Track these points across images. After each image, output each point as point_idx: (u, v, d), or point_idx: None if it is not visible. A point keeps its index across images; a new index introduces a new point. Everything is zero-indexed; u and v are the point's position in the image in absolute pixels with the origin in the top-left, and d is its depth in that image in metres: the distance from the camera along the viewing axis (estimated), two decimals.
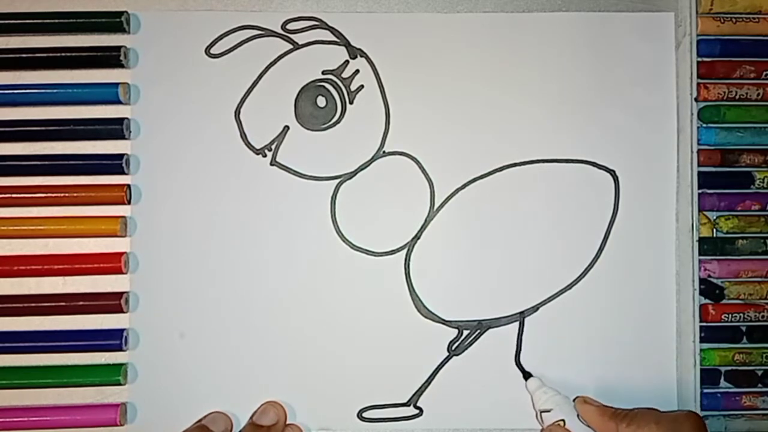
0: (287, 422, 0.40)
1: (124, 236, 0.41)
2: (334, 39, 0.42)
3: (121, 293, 0.40)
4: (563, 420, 0.37)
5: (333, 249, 0.41)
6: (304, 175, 0.41)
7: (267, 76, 0.41)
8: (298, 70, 0.41)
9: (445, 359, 0.41)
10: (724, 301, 0.42)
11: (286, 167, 0.41)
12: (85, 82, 0.41)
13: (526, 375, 0.40)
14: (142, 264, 0.41)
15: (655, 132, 0.42)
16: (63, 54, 0.41)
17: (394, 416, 0.41)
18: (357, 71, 0.42)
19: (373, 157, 0.41)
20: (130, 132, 0.41)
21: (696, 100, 0.41)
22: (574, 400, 0.39)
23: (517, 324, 0.41)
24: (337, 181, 0.41)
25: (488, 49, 0.42)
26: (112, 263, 0.40)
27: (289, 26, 0.42)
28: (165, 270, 0.41)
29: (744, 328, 0.42)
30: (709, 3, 0.41)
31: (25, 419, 0.40)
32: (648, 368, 0.41)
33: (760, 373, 0.42)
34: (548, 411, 0.38)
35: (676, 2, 0.42)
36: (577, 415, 0.37)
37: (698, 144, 0.41)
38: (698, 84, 0.41)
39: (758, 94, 0.42)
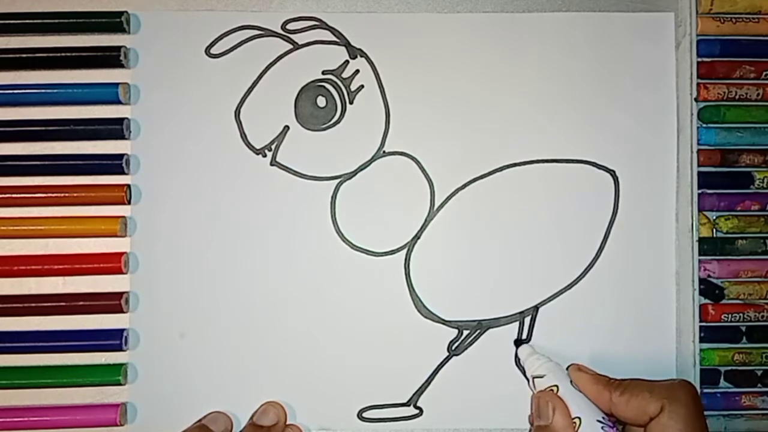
0: (287, 422, 0.40)
1: (124, 236, 0.41)
2: (334, 39, 0.42)
3: (121, 293, 0.40)
4: (556, 386, 0.36)
5: (333, 249, 0.41)
6: (304, 175, 0.41)
7: (267, 76, 0.41)
8: (298, 70, 0.41)
9: (445, 359, 0.41)
10: (723, 301, 0.42)
11: (286, 167, 0.41)
12: (85, 82, 0.41)
13: (518, 342, 0.40)
14: (142, 264, 0.41)
15: (655, 132, 0.42)
16: (63, 54, 0.41)
17: (394, 416, 0.41)
18: (357, 71, 0.42)
19: (373, 157, 0.41)
20: (130, 132, 0.41)
21: (696, 100, 0.41)
22: (567, 368, 0.38)
23: (516, 324, 0.41)
24: (337, 181, 0.41)
25: (488, 49, 0.42)
26: (112, 263, 0.40)
27: (289, 26, 0.42)
28: (165, 270, 0.41)
29: (744, 328, 0.42)
30: (709, 3, 0.41)
31: (25, 419, 0.40)
32: (648, 368, 0.41)
33: (759, 373, 0.42)
34: (541, 377, 0.37)
35: (676, 2, 0.42)
36: (570, 382, 0.37)
37: (698, 144, 0.41)
38: (698, 84, 0.41)
39: (758, 94, 0.42)
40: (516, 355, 0.41)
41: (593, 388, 0.36)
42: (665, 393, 0.33)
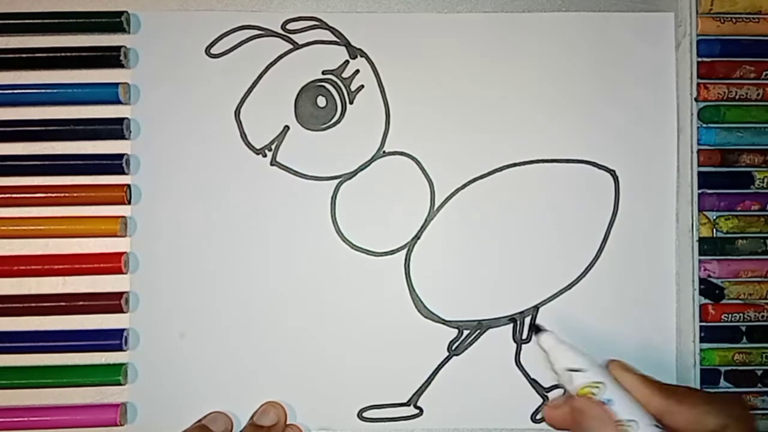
0: (287, 422, 0.40)
1: (124, 236, 0.41)
2: (334, 39, 0.42)
3: (121, 293, 0.40)
4: (602, 383, 0.31)
5: (333, 249, 0.41)
6: (304, 175, 0.41)
7: (267, 76, 0.41)
8: (298, 70, 0.41)
9: (445, 359, 0.41)
10: (723, 301, 0.42)
11: (286, 167, 0.41)
12: (85, 82, 0.41)
13: (538, 329, 0.35)
14: (142, 264, 0.41)
15: (655, 132, 0.42)
16: (63, 54, 0.41)
17: (394, 416, 0.41)
18: (357, 71, 0.42)
19: (373, 157, 0.41)
20: (130, 132, 0.41)
21: (696, 100, 0.41)
22: (607, 365, 0.33)
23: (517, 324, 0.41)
24: (337, 181, 0.41)
25: (488, 49, 0.42)
26: (112, 263, 0.40)
27: (289, 26, 0.42)
28: (165, 270, 0.41)
29: (744, 328, 0.42)
30: (709, 3, 0.41)
31: (25, 419, 0.40)
32: (648, 368, 0.40)
33: (759, 373, 0.42)
34: (579, 371, 0.32)
35: (676, 2, 0.42)
36: (614, 379, 0.32)
37: (698, 144, 0.41)
38: (698, 84, 0.41)
39: (758, 94, 0.42)
40: (516, 352, 0.41)
41: (644, 392, 0.32)
42: (727, 410, 0.31)
